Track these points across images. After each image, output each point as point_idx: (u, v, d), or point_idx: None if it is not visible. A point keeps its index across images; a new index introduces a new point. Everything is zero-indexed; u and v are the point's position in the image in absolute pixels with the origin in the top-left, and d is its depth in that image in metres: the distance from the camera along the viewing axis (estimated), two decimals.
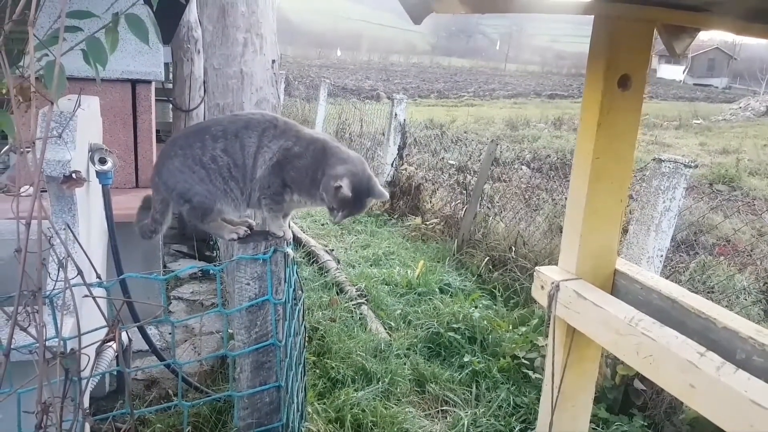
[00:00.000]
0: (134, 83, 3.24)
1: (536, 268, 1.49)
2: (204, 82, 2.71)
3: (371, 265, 4.44)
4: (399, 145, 6.41)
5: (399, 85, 29.14)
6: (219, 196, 1.60)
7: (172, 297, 3.49)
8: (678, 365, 1.06)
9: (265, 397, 1.82)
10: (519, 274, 4.00)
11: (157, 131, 3.59)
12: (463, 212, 5.02)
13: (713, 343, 1.15)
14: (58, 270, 1.23)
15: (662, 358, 1.10)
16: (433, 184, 6.13)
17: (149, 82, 3.29)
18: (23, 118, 1.03)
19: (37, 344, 1.02)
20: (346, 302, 3.57)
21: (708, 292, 3.57)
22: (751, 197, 8.71)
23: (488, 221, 4.83)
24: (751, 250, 5.07)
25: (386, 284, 3.99)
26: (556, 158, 6.98)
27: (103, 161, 2.01)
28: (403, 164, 6.27)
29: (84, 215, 1.85)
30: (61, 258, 1.18)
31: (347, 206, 1.56)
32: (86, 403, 1.48)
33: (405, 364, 2.95)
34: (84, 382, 1.32)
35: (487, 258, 4.32)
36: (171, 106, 5.02)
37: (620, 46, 1.26)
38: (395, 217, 5.79)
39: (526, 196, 5.31)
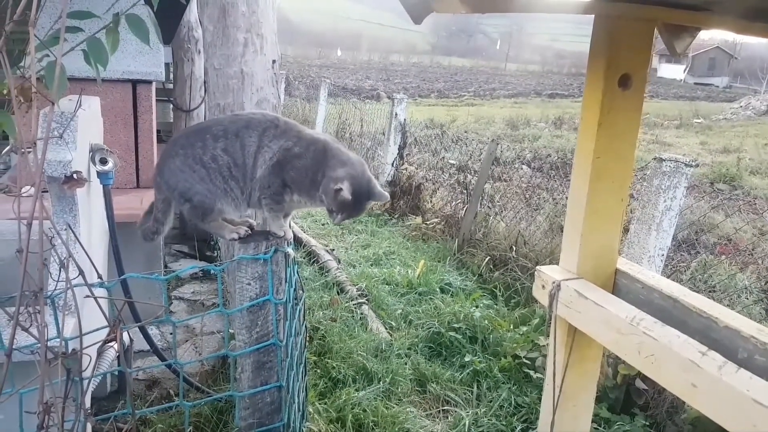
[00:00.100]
0: (135, 83, 3.24)
1: (537, 267, 1.48)
2: (204, 82, 2.71)
3: (372, 265, 4.44)
4: (399, 145, 6.41)
5: (399, 85, 29.14)
6: (219, 195, 1.60)
7: (173, 297, 3.49)
8: (680, 364, 1.06)
9: (266, 397, 1.82)
10: (520, 273, 4.00)
11: (158, 131, 3.59)
12: (463, 212, 5.02)
13: (715, 342, 1.15)
14: (60, 270, 1.23)
15: (664, 358, 1.10)
16: (433, 184, 6.13)
17: (150, 82, 3.29)
18: (24, 118, 1.03)
19: (39, 344, 1.02)
20: (347, 302, 3.57)
21: (709, 292, 3.57)
22: (752, 196, 8.70)
23: (489, 221, 4.83)
24: (753, 249, 5.07)
25: (387, 284, 3.99)
26: (556, 157, 6.98)
27: (104, 161, 2.01)
28: (403, 164, 6.27)
29: (85, 215, 1.86)
30: (63, 258, 1.18)
31: (347, 209, 1.56)
32: (88, 403, 1.49)
33: (406, 363, 2.95)
34: (85, 382, 1.32)
35: (488, 257, 4.32)
36: (172, 106, 5.02)
37: (621, 46, 1.26)
38: (396, 216, 5.79)
39: (527, 196, 5.30)
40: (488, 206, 5.09)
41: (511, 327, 3.37)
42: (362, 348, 2.98)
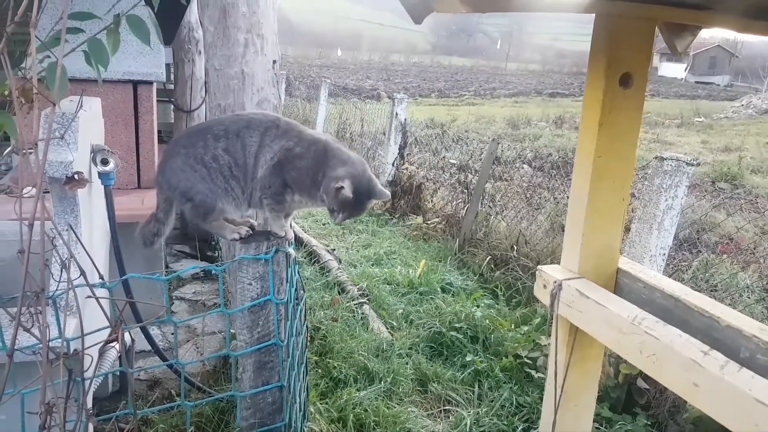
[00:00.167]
0: (136, 84, 3.24)
1: (538, 267, 1.48)
2: (205, 83, 2.72)
3: (373, 265, 4.44)
4: (400, 145, 6.41)
5: (400, 85, 29.12)
6: (220, 195, 1.61)
7: (174, 297, 3.49)
8: (681, 364, 1.06)
9: (268, 397, 1.82)
10: (521, 273, 4.00)
11: (159, 132, 3.59)
12: (464, 211, 5.02)
13: (717, 341, 1.15)
14: (61, 271, 1.23)
15: (665, 357, 1.10)
16: (434, 184, 6.13)
17: (151, 83, 3.29)
18: (25, 119, 1.03)
19: (41, 345, 1.02)
20: (348, 302, 3.57)
21: (711, 291, 3.57)
22: (753, 195, 8.68)
23: (490, 220, 4.83)
24: (754, 248, 5.06)
25: (388, 284, 3.99)
26: (557, 157, 6.98)
27: (105, 162, 2.02)
28: (404, 164, 6.27)
29: (86, 216, 1.86)
30: (64, 259, 1.18)
31: (348, 208, 1.56)
32: (89, 403, 1.49)
33: (407, 363, 2.95)
34: (87, 382, 1.33)
35: (489, 257, 4.31)
36: (172, 106, 5.03)
37: (621, 45, 1.26)
38: (396, 216, 5.79)
39: (528, 195, 5.30)
40: (489, 206, 5.09)
41: (513, 326, 3.36)
42: (363, 348, 2.98)
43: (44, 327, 1.04)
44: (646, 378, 2.62)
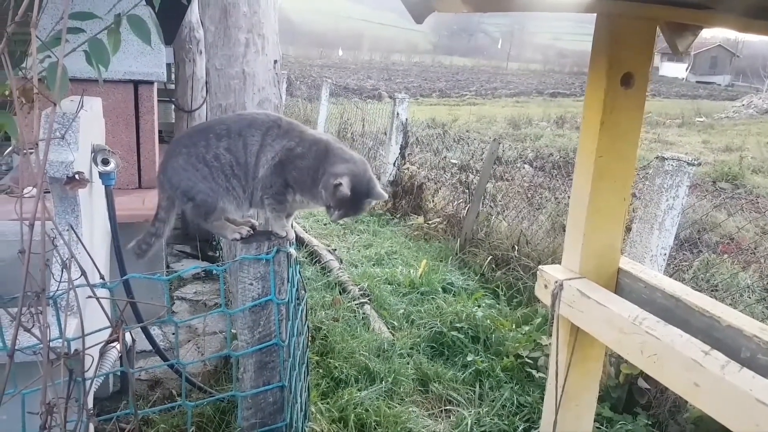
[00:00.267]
0: (136, 84, 3.24)
1: (539, 267, 1.48)
2: (206, 83, 2.72)
3: (374, 265, 4.44)
4: (401, 145, 6.41)
5: (401, 85, 29.10)
6: (221, 194, 1.61)
7: (175, 297, 3.49)
8: (682, 364, 1.06)
9: (269, 397, 1.82)
10: (522, 273, 4.00)
11: (160, 132, 3.59)
12: (465, 211, 5.02)
13: (717, 341, 1.15)
14: (62, 271, 1.23)
15: (666, 357, 1.09)
16: (435, 184, 6.13)
17: (151, 82, 3.29)
18: (26, 119, 1.04)
19: (41, 345, 1.03)
20: (349, 302, 3.57)
21: (712, 291, 3.57)
22: (754, 195, 8.67)
23: (491, 220, 4.83)
24: (755, 248, 5.05)
25: (389, 284, 3.99)
26: (558, 157, 6.96)
27: (105, 162, 2.02)
28: (405, 163, 6.27)
29: (87, 216, 1.86)
30: (65, 259, 1.18)
31: (345, 205, 1.56)
32: (90, 403, 1.49)
33: (408, 363, 2.95)
34: (88, 382, 1.32)
35: (490, 257, 4.31)
36: (173, 106, 5.03)
37: (623, 44, 1.26)
38: (398, 216, 5.79)
39: (529, 195, 5.30)
40: (490, 206, 5.09)
41: (514, 326, 3.36)
42: (364, 348, 2.99)
43: (45, 327, 1.04)
44: (647, 378, 2.62)
